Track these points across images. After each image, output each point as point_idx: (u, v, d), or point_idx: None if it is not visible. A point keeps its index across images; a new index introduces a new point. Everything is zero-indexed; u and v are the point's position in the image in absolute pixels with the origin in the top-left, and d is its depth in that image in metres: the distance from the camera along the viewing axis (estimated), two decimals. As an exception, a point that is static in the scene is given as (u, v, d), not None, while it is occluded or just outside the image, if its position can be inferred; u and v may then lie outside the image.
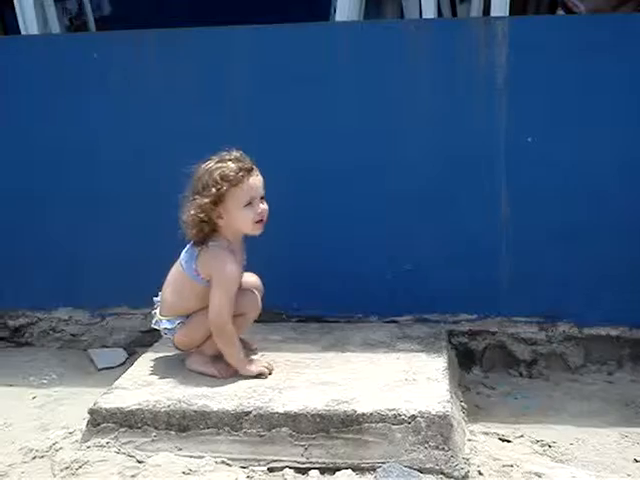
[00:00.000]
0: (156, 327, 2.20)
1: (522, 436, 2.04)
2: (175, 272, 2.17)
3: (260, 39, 2.54)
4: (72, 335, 2.78)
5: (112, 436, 1.93)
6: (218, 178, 2.02)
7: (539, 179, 2.44)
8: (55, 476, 1.85)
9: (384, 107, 2.49)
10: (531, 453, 1.96)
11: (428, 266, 2.54)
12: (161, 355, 2.31)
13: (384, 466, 1.80)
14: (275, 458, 1.86)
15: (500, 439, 2.03)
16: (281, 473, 1.83)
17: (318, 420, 1.86)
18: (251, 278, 2.26)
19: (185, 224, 2.08)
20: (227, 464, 1.85)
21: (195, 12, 3.55)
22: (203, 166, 2.07)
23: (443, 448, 1.82)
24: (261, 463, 1.86)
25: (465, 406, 2.16)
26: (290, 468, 1.84)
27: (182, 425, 1.91)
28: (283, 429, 1.87)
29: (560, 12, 2.97)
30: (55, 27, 3.10)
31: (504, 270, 2.50)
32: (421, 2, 2.87)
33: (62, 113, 2.64)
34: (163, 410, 1.92)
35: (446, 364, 2.17)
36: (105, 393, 2.04)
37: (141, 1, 3.61)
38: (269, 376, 2.10)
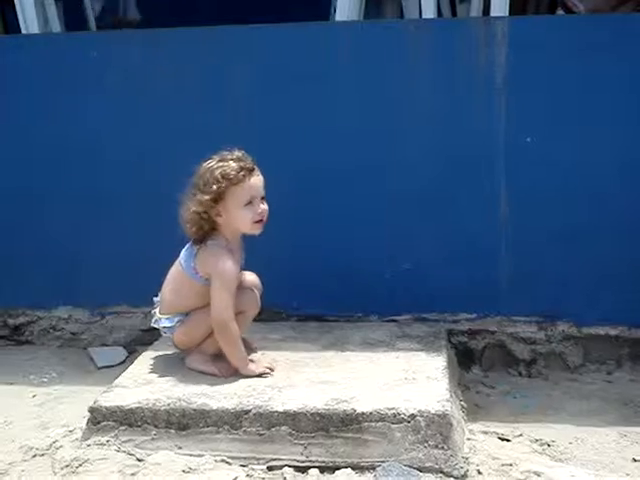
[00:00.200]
0: (155, 326, 2.21)
1: (521, 435, 2.04)
2: (174, 271, 2.17)
3: (260, 39, 2.54)
4: (72, 334, 2.78)
5: (112, 434, 1.93)
6: (219, 176, 2.03)
7: (538, 179, 2.44)
8: (55, 474, 1.85)
9: (384, 107, 2.49)
10: (530, 452, 1.96)
11: (428, 265, 2.54)
12: (161, 354, 2.31)
13: (384, 465, 1.80)
14: (274, 457, 1.86)
15: (499, 438, 2.03)
16: (280, 472, 1.83)
17: (318, 419, 1.86)
18: (250, 277, 2.27)
19: (184, 221, 2.09)
20: (227, 462, 1.85)
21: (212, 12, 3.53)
22: (205, 164, 2.08)
23: (442, 447, 1.82)
24: (260, 462, 1.86)
25: (464, 405, 2.16)
26: (289, 467, 1.84)
27: (182, 423, 1.91)
28: (283, 428, 1.87)
29: (560, 12, 2.97)
30: (55, 26, 3.10)
31: (503, 269, 2.51)
32: (421, 2, 2.87)
33: (62, 112, 2.64)
34: (163, 409, 1.93)
35: (445, 363, 2.17)
36: (105, 391, 2.04)
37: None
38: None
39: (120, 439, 1.93)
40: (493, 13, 2.68)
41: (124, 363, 2.60)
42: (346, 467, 1.82)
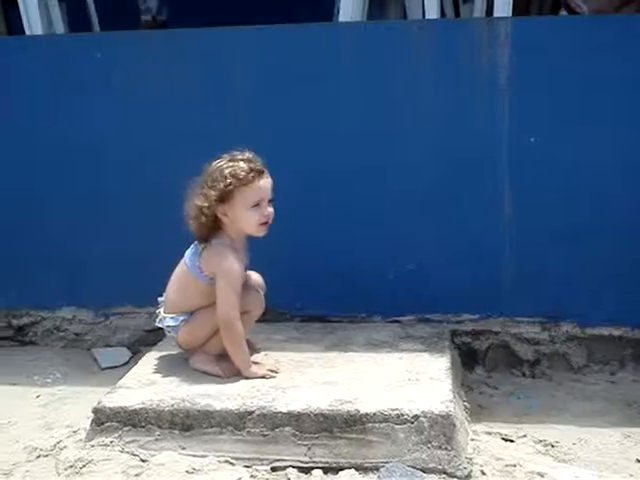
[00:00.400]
0: (160, 325, 2.21)
1: (525, 436, 2.04)
2: (179, 270, 2.18)
3: (263, 39, 2.54)
4: (76, 334, 2.78)
5: (116, 435, 1.94)
6: (228, 175, 2.04)
7: (542, 179, 2.44)
8: (59, 475, 1.86)
9: (387, 107, 2.49)
10: (534, 453, 1.96)
11: (431, 266, 2.54)
12: (165, 354, 2.31)
13: (387, 466, 1.80)
14: (278, 457, 1.86)
15: (503, 439, 2.04)
16: (284, 472, 1.84)
17: (321, 420, 1.86)
18: (253, 276, 2.28)
19: (189, 216, 2.09)
20: (230, 463, 1.86)
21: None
22: (214, 163, 2.09)
23: (446, 448, 1.82)
24: (264, 462, 1.86)
25: (468, 406, 2.16)
26: (293, 467, 1.84)
27: (186, 424, 1.92)
28: (286, 429, 1.87)
29: (563, 13, 2.97)
30: (59, 27, 3.10)
31: (507, 270, 2.50)
32: (424, 3, 2.87)
33: (66, 113, 2.64)
34: (167, 409, 1.93)
35: (449, 364, 2.17)
36: (109, 392, 2.05)
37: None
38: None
39: (124, 440, 1.93)
40: (496, 14, 2.68)
41: (128, 364, 2.60)
42: (350, 468, 1.82)
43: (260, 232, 2.11)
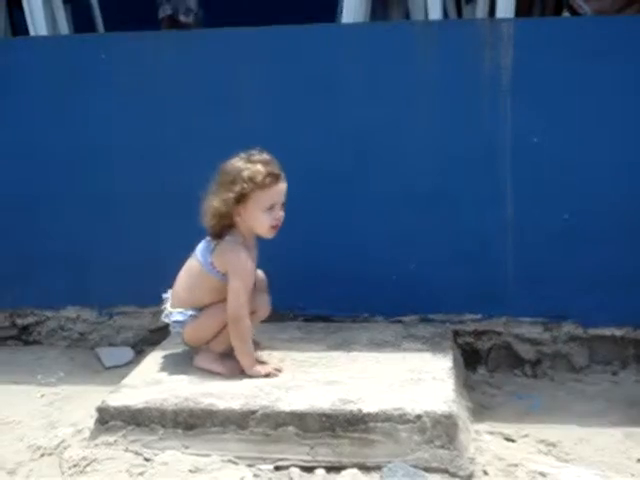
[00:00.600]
0: (166, 320, 2.20)
1: (527, 436, 2.05)
2: (190, 265, 2.18)
3: (265, 40, 2.55)
4: (80, 334, 2.79)
5: (120, 434, 1.94)
6: (246, 177, 2.04)
7: (544, 180, 2.44)
8: (63, 474, 1.87)
9: (390, 108, 2.49)
10: (536, 453, 1.96)
11: (433, 266, 2.54)
12: (169, 353, 2.32)
13: (389, 465, 1.80)
14: (281, 457, 1.87)
15: (505, 439, 2.04)
16: (287, 472, 1.84)
17: (324, 419, 1.87)
18: (258, 273, 2.28)
19: (206, 214, 2.10)
20: (234, 462, 1.86)
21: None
22: (232, 162, 2.09)
23: (448, 447, 1.83)
24: (267, 462, 1.87)
25: (470, 406, 2.16)
26: (296, 467, 1.85)
27: (189, 423, 1.92)
28: (289, 428, 1.88)
29: (565, 14, 2.97)
30: (64, 28, 3.12)
31: (509, 270, 2.51)
32: (427, 3, 2.88)
33: (70, 114, 2.65)
34: (170, 408, 1.94)
35: (451, 364, 2.18)
36: (113, 391, 2.06)
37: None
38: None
39: (128, 439, 1.94)
40: (499, 14, 2.68)
41: (132, 363, 2.61)
42: (352, 467, 1.83)
43: (270, 234, 2.12)
